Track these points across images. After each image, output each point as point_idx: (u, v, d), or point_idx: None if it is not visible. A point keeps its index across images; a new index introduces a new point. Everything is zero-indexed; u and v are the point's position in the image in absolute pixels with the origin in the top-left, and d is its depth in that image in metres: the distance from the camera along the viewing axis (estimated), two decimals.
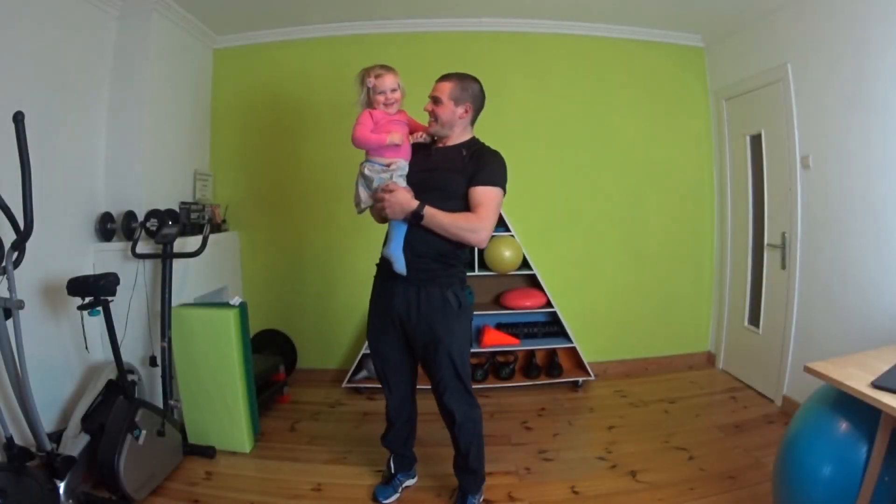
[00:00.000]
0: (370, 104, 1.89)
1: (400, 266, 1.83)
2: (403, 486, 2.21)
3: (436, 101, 1.88)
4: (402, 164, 1.86)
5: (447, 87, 1.88)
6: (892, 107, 2.25)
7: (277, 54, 3.43)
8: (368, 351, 3.21)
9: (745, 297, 3.38)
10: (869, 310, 2.39)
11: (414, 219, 1.79)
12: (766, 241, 3.16)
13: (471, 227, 1.80)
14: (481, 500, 2.08)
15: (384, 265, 1.92)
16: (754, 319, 3.30)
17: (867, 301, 2.41)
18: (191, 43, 3.20)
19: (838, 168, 2.56)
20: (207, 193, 3.34)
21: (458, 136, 1.94)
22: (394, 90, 1.87)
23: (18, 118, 1.65)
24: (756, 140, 3.21)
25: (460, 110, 1.89)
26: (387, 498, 2.14)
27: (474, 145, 1.94)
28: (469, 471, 2.02)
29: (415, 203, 1.78)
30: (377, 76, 1.86)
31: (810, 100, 2.71)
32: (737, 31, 3.27)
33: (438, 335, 1.86)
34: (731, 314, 3.54)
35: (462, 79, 1.90)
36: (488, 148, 1.94)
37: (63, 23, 2.45)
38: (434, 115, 1.89)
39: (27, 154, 1.67)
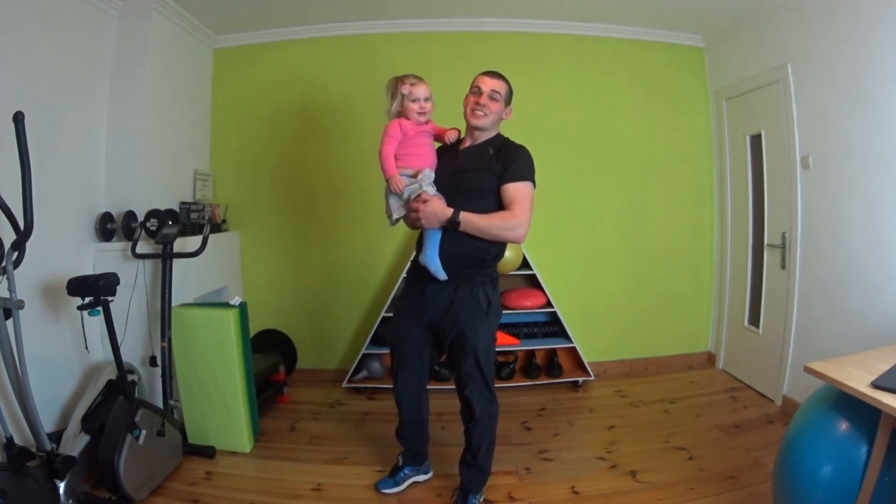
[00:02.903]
0: (401, 113, 1.89)
1: (440, 273, 1.85)
2: (410, 480, 2.23)
3: (493, 96, 1.89)
4: (428, 173, 1.87)
5: (504, 87, 1.92)
6: (891, 106, 2.25)
7: (277, 54, 3.43)
8: (368, 351, 3.24)
9: (745, 297, 3.38)
10: (869, 310, 2.39)
11: (451, 226, 1.80)
12: (766, 241, 3.16)
13: (508, 225, 1.82)
14: (482, 500, 2.08)
15: (417, 266, 1.94)
16: (754, 319, 3.30)
17: (867, 301, 2.41)
18: (191, 43, 3.20)
19: (838, 168, 2.56)
20: (207, 193, 3.34)
21: (488, 133, 1.95)
22: (427, 99, 1.89)
23: (18, 118, 1.65)
24: (756, 140, 3.21)
25: (507, 111, 1.96)
26: (386, 489, 2.17)
27: (499, 141, 1.95)
28: (477, 468, 2.02)
29: (449, 211, 1.80)
30: (412, 84, 1.87)
31: (810, 100, 2.71)
32: (737, 31, 3.27)
33: (465, 332, 1.88)
34: (731, 314, 3.54)
35: (508, 82, 1.95)
36: (513, 143, 1.96)
37: (63, 23, 2.45)
38: (486, 110, 1.88)
39: (27, 154, 1.67)
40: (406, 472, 2.22)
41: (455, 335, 1.90)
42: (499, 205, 1.86)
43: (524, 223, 1.84)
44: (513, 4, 3.18)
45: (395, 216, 1.92)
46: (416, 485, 2.24)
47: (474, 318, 1.89)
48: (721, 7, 3.04)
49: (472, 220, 1.79)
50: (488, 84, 1.89)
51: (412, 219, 1.89)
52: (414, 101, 1.87)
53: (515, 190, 1.84)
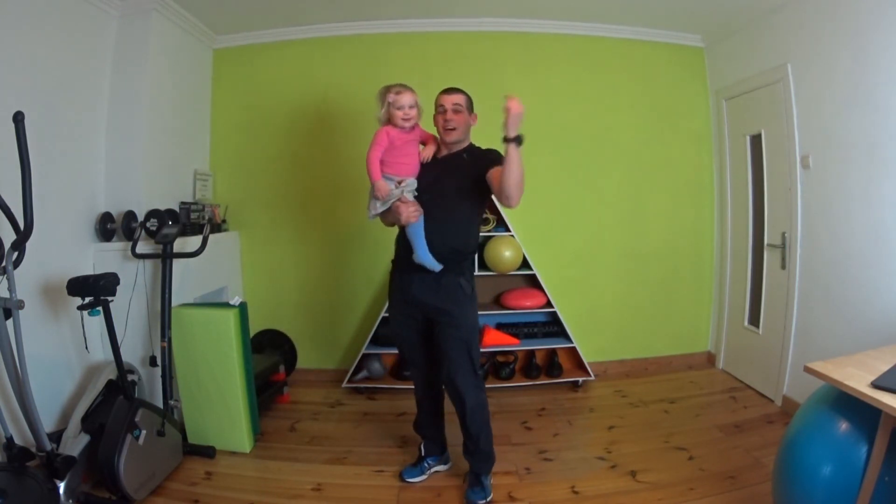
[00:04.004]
0: (390, 120, 2.00)
1: (435, 265, 2.00)
2: (433, 470, 2.32)
3: (456, 109, 2.03)
4: (410, 182, 2.02)
5: (462, 98, 2.07)
6: (891, 106, 2.25)
7: (277, 54, 3.43)
8: (368, 351, 3.24)
9: (745, 297, 3.38)
10: (869, 310, 2.39)
11: (517, 142, 1.79)
12: (766, 241, 3.16)
13: (523, 175, 1.86)
14: (491, 481, 2.18)
15: (400, 260, 2.13)
16: (754, 319, 3.30)
17: (867, 301, 2.41)
18: (191, 43, 3.20)
19: (838, 168, 2.56)
20: (207, 193, 3.34)
21: (462, 143, 2.11)
22: (412, 107, 1.99)
23: (18, 118, 1.65)
24: (756, 140, 3.21)
25: (473, 117, 2.12)
26: (412, 477, 2.27)
27: (471, 148, 2.14)
28: (481, 453, 2.13)
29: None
30: (397, 92, 1.98)
31: (810, 100, 2.71)
32: (737, 31, 3.27)
33: (454, 317, 2.03)
34: (731, 314, 3.54)
35: (464, 92, 2.09)
36: (483, 148, 2.13)
37: (63, 23, 2.45)
38: (455, 124, 2.03)
39: (27, 154, 1.67)
40: (429, 461, 2.31)
41: (445, 321, 2.03)
42: (473, 208, 2.09)
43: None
44: (513, 4, 3.18)
45: (375, 212, 2.06)
46: (417, 485, 2.25)
47: (461, 300, 2.05)
48: (721, 7, 3.04)
49: (514, 153, 1.80)
50: (449, 100, 2.04)
51: (395, 216, 2.02)
52: (399, 108, 1.97)
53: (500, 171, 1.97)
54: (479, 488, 2.12)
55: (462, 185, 2.03)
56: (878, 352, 1.66)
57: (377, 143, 1.99)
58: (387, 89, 2.00)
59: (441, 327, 2.05)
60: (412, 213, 1.98)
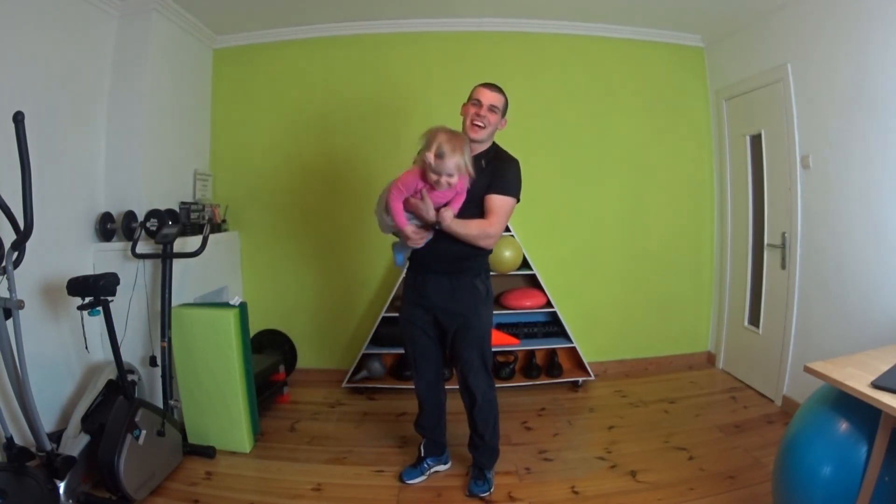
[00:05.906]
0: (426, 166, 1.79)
1: (398, 263, 2.07)
2: (433, 470, 2.31)
3: (493, 109, 1.96)
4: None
5: (502, 100, 2.00)
6: (892, 107, 2.25)
7: (277, 54, 3.43)
8: (368, 351, 3.24)
9: (745, 297, 3.38)
10: (869, 309, 2.39)
11: (433, 223, 1.89)
12: (766, 241, 3.16)
13: (483, 233, 1.94)
14: (493, 475, 2.22)
15: (416, 260, 2.08)
16: (754, 319, 3.30)
17: (867, 301, 2.41)
18: (191, 43, 3.20)
19: (838, 168, 2.56)
20: (207, 193, 3.34)
21: (483, 145, 2.03)
22: (450, 175, 1.75)
23: (18, 118, 1.65)
24: (756, 140, 3.21)
25: (503, 122, 2.05)
26: (412, 479, 2.26)
27: (492, 151, 2.05)
28: (487, 448, 2.17)
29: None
30: (438, 156, 1.72)
31: (810, 100, 2.71)
32: (737, 31, 3.27)
33: (469, 319, 2.02)
34: (731, 314, 3.54)
35: (506, 95, 2.03)
36: (506, 154, 2.04)
37: (63, 23, 2.45)
38: (485, 121, 1.95)
39: (27, 154, 1.67)
40: (429, 462, 2.30)
41: (461, 323, 2.02)
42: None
43: (496, 234, 1.97)
44: (513, 4, 3.18)
45: (385, 231, 2.07)
46: (417, 485, 2.25)
47: (476, 303, 2.03)
48: (721, 7, 3.03)
49: (451, 226, 1.88)
50: (488, 97, 1.96)
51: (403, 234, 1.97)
52: (434, 172, 1.75)
53: (497, 202, 1.95)
54: (482, 481, 2.16)
55: (477, 194, 1.94)
56: (878, 352, 1.67)
57: (400, 190, 1.83)
58: (432, 137, 1.74)
59: (457, 331, 2.04)
60: (418, 241, 1.94)
